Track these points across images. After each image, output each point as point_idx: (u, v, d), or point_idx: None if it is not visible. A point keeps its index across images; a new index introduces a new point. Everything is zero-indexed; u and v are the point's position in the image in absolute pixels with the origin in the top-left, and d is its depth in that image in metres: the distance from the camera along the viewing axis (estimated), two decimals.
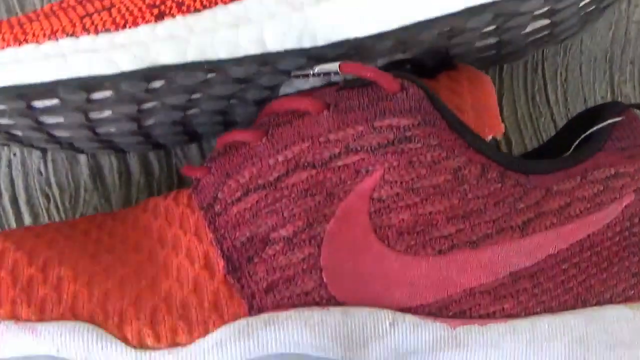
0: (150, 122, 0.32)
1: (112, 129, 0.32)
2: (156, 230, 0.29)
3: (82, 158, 0.38)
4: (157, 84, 0.28)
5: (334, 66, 0.27)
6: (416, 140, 0.26)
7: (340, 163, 0.26)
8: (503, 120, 0.38)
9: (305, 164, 0.26)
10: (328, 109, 0.27)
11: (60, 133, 0.32)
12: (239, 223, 0.27)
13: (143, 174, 0.38)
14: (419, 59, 0.33)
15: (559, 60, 0.40)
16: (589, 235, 0.28)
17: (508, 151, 0.39)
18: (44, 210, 0.37)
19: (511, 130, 0.39)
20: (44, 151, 0.38)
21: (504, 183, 0.27)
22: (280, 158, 0.27)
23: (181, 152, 0.38)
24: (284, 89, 0.32)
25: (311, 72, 0.28)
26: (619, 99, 0.40)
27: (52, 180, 0.38)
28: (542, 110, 0.40)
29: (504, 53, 0.36)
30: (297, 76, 0.28)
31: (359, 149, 0.26)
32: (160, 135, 0.34)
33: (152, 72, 0.27)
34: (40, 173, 0.38)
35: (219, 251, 0.27)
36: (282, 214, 0.26)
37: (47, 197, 0.38)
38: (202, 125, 0.34)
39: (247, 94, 0.31)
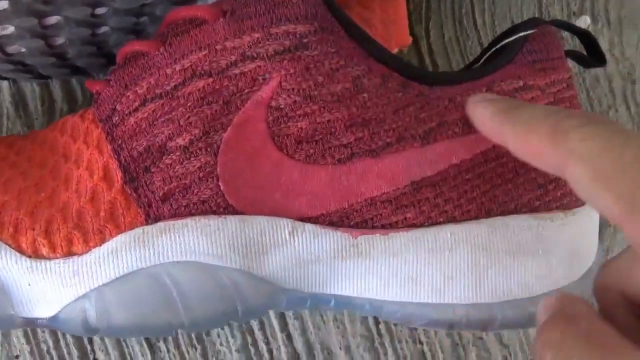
0: (59, 40, 0.31)
1: (22, 49, 0.31)
2: (62, 146, 0.29)
3: (4, 85, 0.37)
4: None
5: None
6: (313, 48, 0.26)
7: (237, 71, 0.26)
8: (414, 35, 0.38)
9: (202, 72, 0.26)
10: (224, 16, 0.26)
11: None
12: (135, 133, 0.26)
13: (66, 101, 0.38)
14: None
15: None
16: (493, 146, 0.28)
17: None
18: None
19: (438, 54, 0.39)
20: None
21: (405, 92, 0.27)
22: (178, 67, 0.26)
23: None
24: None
25: None
26: None
27: None
28: (469, 34, 0.39)
29: None
30: None
31: (255, 56, 0.26)
32: (75, 57, 0.34)
33: None
34: None
35: (117, 162, 0.27)
36: (179, 123, 0.26)
37: None
38: (117, 46, 0.33)
39: (156, 9, 0.31)
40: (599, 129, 0.20)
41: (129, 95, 0.27)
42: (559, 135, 0.21)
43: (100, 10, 0.29)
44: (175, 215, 0.26)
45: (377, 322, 0.37)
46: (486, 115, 0.25)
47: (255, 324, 0.36)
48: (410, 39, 0.30)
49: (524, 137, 0.23)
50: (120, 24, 0.31)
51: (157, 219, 0.26)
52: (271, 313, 0.36)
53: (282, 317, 0.36)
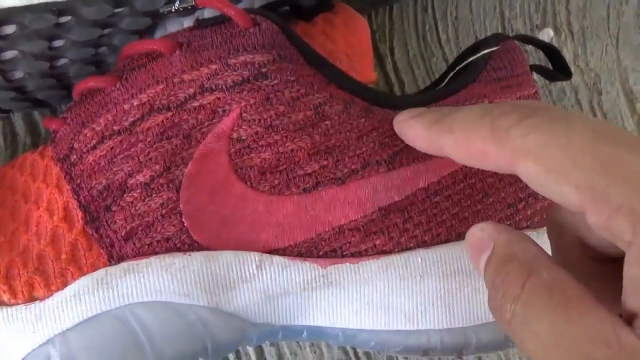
0: (17, 74, 0.31)
1: None
2: (21, 186, 0.28)
3: None
4: (8, 29, 0.27)
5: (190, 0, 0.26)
6: (272, 77, 0.26)
7: (196, 104, 0.26)
8: (379, 53, 0.37)
9: (160, 106, 0.26)
10: (181, 48, 0.26)
11: None
12: (94, 171, 0.26)
13: (29, 135, 0.37)
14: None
15: None
16: (461, 168, 0.28)
17: (401, 92, 0.38)
18: None
19: (403, 71, 0.39)
20: None
21: (368, 118, 0.27)
22: (135, 102, 0.26)
23: None
24: (159, 35, 0.31)
25: (173, 8, 0.27)
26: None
27: None
28: (433, 50, 0.39)
29: None
30: (163, 13, 0.27)
31: (214, 88, 0.25)
32: (36, 90, 0.33)
33: None
34: None
35: (77, 202, 0.26)
36: (139, 159, 0.25)
37: None
38: (77, 77, 0.33)
39: (113, 40, 0.30)
40: (538, 120, 0.19)
41: (86, 133, 0.26)
42: (499, 134, 0.20)
43: (57, 43, 0.29)
44: (139, 254, 0.25)
45: None
46: (419, 130, 0.24)
47: None
48: (375, 74, 0.29)
49: (466, 142, 0.21)
50: (79, 56, 0.30)
51: (120, 259, 0.25)
52: None
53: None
